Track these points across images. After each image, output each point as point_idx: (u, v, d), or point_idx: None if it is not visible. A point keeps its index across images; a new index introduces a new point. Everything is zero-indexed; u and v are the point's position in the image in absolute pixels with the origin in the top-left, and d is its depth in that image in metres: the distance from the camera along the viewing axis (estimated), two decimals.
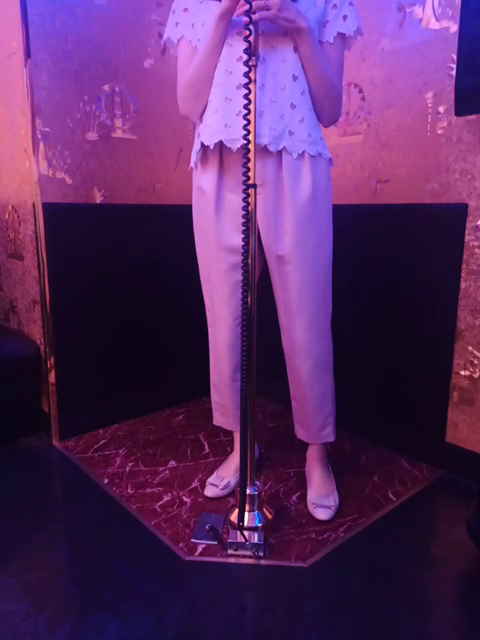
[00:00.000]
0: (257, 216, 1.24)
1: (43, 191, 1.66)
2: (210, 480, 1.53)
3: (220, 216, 1.29)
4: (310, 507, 1.40)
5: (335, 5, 1.18)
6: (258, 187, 1.20)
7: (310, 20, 1.13)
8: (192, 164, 1.30)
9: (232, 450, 1.64)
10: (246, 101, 1.05)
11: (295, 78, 1.17)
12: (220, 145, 1.22)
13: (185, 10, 1.23)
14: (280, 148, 1.19)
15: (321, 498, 1.41)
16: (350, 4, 1.20)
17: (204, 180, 1.28)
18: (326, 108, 1.25)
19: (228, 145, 1.19)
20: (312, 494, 1.43)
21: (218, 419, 1.57)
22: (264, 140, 1.17)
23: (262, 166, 1.21)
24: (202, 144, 1.23)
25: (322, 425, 1.43)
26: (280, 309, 1.37)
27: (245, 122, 1.07)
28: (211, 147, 1.21)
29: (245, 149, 1.09)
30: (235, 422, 1.50)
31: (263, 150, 1.19)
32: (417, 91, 1.55)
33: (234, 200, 1.26)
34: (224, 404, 1.52)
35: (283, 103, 1.16)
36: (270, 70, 1.14)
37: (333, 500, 1.41)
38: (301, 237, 1.25)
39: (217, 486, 1.49)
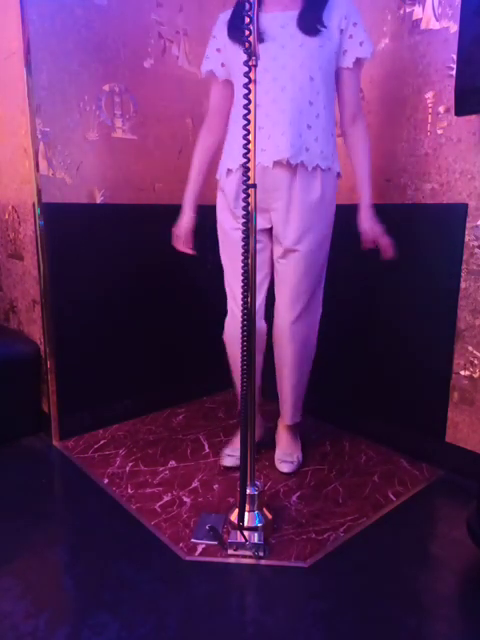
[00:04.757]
0: (272, 215, 1.45)
1: (43, 191, 1.66)
2: (227, 451, 1.64)
3: (238, 212, 1.40)
4: (276, 463, 1.63)
5: (351, 35, 1.35)
6: (274, 191, 1.40)
7: (327, 53, 1.34)
8: (218, 176, 1.51)
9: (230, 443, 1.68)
10: (246, 101, 1.06)
11: (311, 104, 1.35)
12: None
13: (217, 50, 1.44)
14: (298, 162, 1.36)
15: (285, 455, 1.63)
16: (364, 31, 1.36)
17: (227, 186, 1.46)
18: (358, 122, 1.48)
19: (264, 163, 1.37)
20: (279, 452, 1.65)
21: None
22: (286, 154, 1.34)
23: (280, 175, 1.38)
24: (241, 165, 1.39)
25: (297, 408, 1.64)
26: (279, 298, 1.52)
27: (245, 131, 1.09)
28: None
29: (245, 149, 1.09)
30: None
31: (285, 164, 1.36)
32: (417, 91, 1.55)
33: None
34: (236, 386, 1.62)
35: (301, 124, 1.35)
36: (290, 96, 1.32)
37: (296, 457, 1.63)
38: (307, 235, 1.43)
39: (234, 456, 1.59)
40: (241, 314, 1.17)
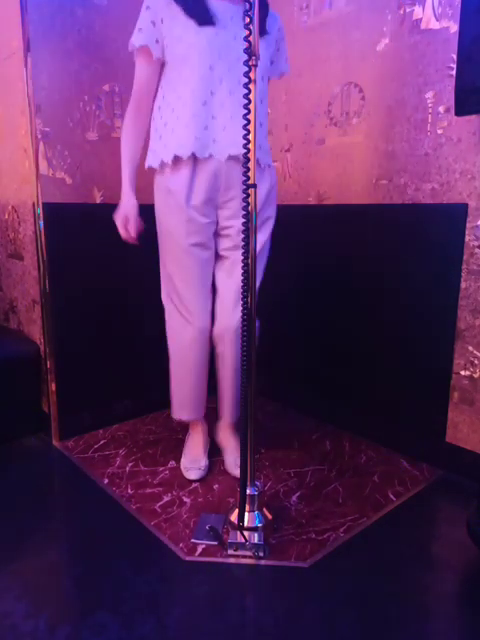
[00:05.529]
0: (221, 212, 1.43)
1: (43, 191, 1.66)
2: (186, 465, 1.61)
3: (190, 213, 1.39)
4: (231, 468, 1.59)
5: (279, 49, 1.44)
6: (228, 189, 1.37)
7: (269, 57, 1.38)
8: (157, 166, 1.39)
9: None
10: (246, 101, 1.06)
11: (262, 102, 1.35)
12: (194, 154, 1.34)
13: (152, 23, 1.33)
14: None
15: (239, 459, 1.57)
16: (285, 48, 1.45)
17: (174, 182, 1.37)
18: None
19: (217, 156, 1.33)
20: (231, 458, 1.61)
21: (180, 412, 1.65)
22: (244, 150, 1.29)
23: (235, 171, 1.35)
24: (194, 155, 1.33)
25: (237, 403, 1.58)
26: (222, 298, 1.50)
27: (245, 131, 1.09)
28: (201, 159, 1.34)
29: (245, 149, 1.10)
30: (193, 412, 1.63)
31: (236, 159, 1.33)
32: (417, 91, 1.55)
33: (201, 199, 1.39)
34: (188, 395, 1.62)
35: (256, 121, 1.30)
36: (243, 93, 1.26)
37: None
38: (261, 228, 1.43)
39: (196, 468, 1.58)
40: (241, 315, 1.17)
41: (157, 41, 1.33)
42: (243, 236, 1.13)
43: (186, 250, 1.42)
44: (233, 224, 1.43)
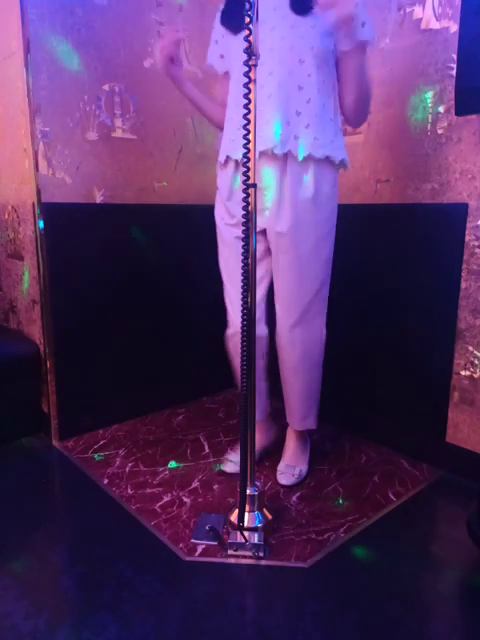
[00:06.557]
0: (266, 214, 1.37)
1: (43, 191, 1.66)
2: (230, 457, 1.62)
3: (231, 208, 1.41)
4: (277, 473, 1.57)
5: None
6: (266, 189, 1.34)
7: (320, 34, 1.24)
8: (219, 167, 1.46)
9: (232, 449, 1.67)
10: (246, 100, 1.06)
11: (300, 88, 1.27)
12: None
13: (216, 42, 1.41)
14: (286, 151, 1.29)
15: (287, 467, 1.57)
16: (365, 11, 1.23)
17: (221, 180, 1.45)
18: (359, 110, 1.37)
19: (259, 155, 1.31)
20: (281, 463, 1.59)
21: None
22: (271, 144, 1.28)
23: (269, 170, 1.32)
24: (228, 157, 1.37)
25: (305, 414, 1.56)
26: (276, 303, 1.46)
27: (245, 131, 1.08)
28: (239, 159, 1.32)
29: (245, 149, 1.09)
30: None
31: (271, 154, 1.29)
32: (417, 91, 1.55)
33: (243, 195, 1.36)
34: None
35: (289, 111, 1.27)
36: (278, 81, 1.26)
37: (298, 471, 1.56)
38: (300, 234, 1.35)
39: (236, 463, 1.53)
40: (241, 315, 1.17)
41: (222, 56, 1.40)
42: (243, 237, 1.12)
43: (227, 244, 1.45)
44: (268, 224, 1.38)
